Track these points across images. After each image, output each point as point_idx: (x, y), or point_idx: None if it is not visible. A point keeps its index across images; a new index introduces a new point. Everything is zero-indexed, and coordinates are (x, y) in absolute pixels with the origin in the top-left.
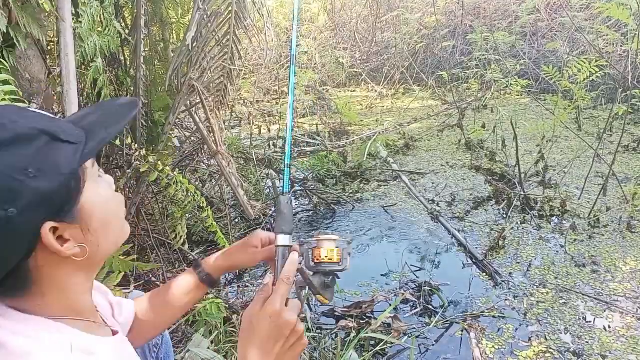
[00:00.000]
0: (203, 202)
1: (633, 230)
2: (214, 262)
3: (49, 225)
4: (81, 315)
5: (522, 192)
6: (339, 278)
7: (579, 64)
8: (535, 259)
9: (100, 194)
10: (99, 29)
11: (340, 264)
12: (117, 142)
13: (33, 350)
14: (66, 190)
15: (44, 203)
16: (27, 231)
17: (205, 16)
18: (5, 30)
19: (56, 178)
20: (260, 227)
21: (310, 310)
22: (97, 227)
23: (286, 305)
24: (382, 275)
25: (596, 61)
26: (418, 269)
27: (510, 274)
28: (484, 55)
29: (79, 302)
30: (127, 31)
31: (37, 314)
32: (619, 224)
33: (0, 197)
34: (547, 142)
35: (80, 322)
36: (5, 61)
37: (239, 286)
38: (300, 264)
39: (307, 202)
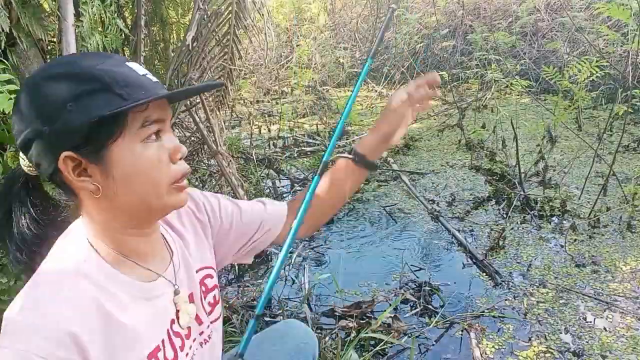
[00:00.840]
0: None
1: (633, 230)
2: (365, 141)
3: (67, 153)
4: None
5: (522, 192)
6: None
7: (579, 64)
8: (535, 259)
9: (136, 152)
10: (100, 29)
11: None
12: None
13: (53, 257)
14: (90, 132)
15: (67, 134)
16: (53, 150)
17: (205, 16)
18: (8, 30)
19: (85, 119)
20: None
21: (311, 310)
22: (119, 179)
23: None
24: (382, 275)
25: (597, 61)
26: (418, 269)
27: (510, 273)
28: (484, 55)
29: (114, 239)
30: (128, 30)
31: (85, 229)
32: (619, 224)
33: (42, 116)
34: (547, 142)
35: (112, 254)
36: (8, 60)
37: (239, 286)
38: None
39: None
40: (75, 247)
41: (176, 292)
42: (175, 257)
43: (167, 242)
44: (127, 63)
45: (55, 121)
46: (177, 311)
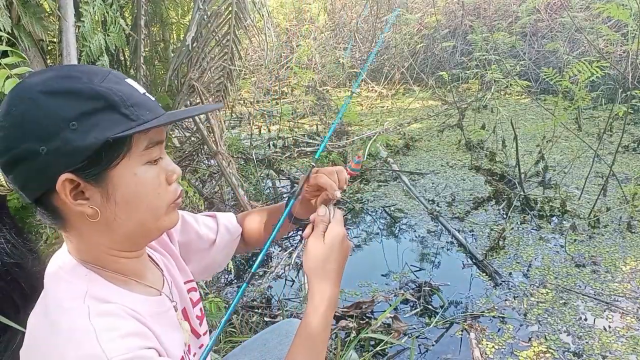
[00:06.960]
0: (202, 205)
1: (633, 230)
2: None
3: (67, 175)
4: (115, 271)
5: (522, 192)
6: None
7: (579, 65)
8: (535, 259)
9: (139, 175)
10: (99, 29)
11: None
12: None
13: (56, 294)
14: (94, 154)
15: (70, 155)
16: (48, 171)
17: (205, 16)
18: (10, 30)
19: (90, 140)
20: None
21: None
22: (120, 202)
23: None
24: (382, 275)
25: (597, 62)
26: (418, 269)
27: (510, 274)
28: (484, 55)
29: (109, 260)
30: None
31: (75, 256)
32: (619, 224)
33: (40, 134)
34: (547, 142)
35: (112, 275)
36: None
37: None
38: None
39: None
40: (76, 278)
41: (175, 309)
42: (165, 273)
43: (153, 260)
44: (126, 80)
45: (54, 140)
46: None
